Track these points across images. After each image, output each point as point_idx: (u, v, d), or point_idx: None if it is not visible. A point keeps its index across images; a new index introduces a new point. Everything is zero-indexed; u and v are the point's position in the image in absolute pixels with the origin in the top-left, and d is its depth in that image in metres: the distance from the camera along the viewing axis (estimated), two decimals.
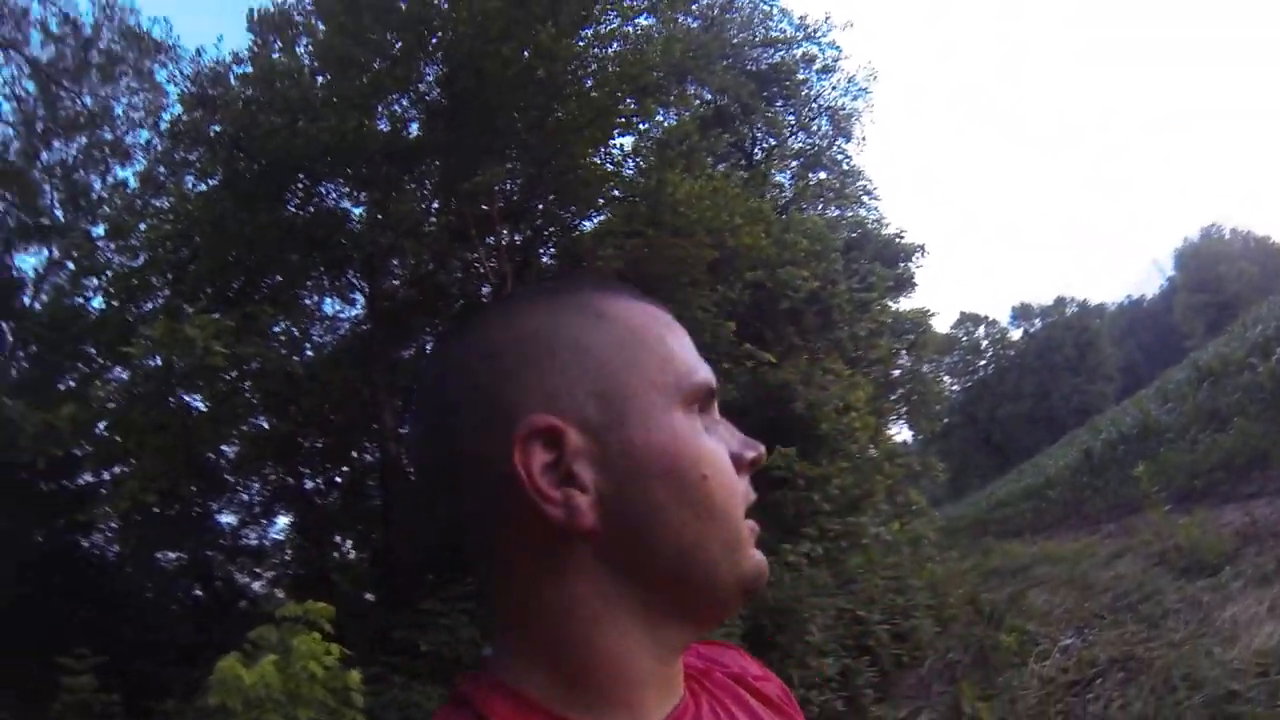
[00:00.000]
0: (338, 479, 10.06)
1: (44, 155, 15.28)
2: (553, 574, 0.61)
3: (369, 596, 9.55)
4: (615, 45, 8.12)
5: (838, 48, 15.62)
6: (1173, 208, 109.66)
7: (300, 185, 8.34)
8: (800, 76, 14.86)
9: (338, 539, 10.24)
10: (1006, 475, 24.92)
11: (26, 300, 14.30)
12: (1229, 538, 6.63)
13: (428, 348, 9.19)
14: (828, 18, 17.71)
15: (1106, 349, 40.29)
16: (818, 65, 15.51)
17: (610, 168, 8.91)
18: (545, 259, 8.99)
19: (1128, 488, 10.21)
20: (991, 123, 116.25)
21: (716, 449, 0.64)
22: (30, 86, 14.96)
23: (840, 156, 15.93)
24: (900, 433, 19.38)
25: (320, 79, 8.26)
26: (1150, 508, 8.08)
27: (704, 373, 0.66)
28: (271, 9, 9.26)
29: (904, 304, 14.93)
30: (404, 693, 5.67)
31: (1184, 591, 5.81)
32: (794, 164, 15.37)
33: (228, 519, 10.84)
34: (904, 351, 13.68)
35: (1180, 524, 7.21)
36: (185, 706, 4.94)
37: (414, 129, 8.71)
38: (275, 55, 8.53)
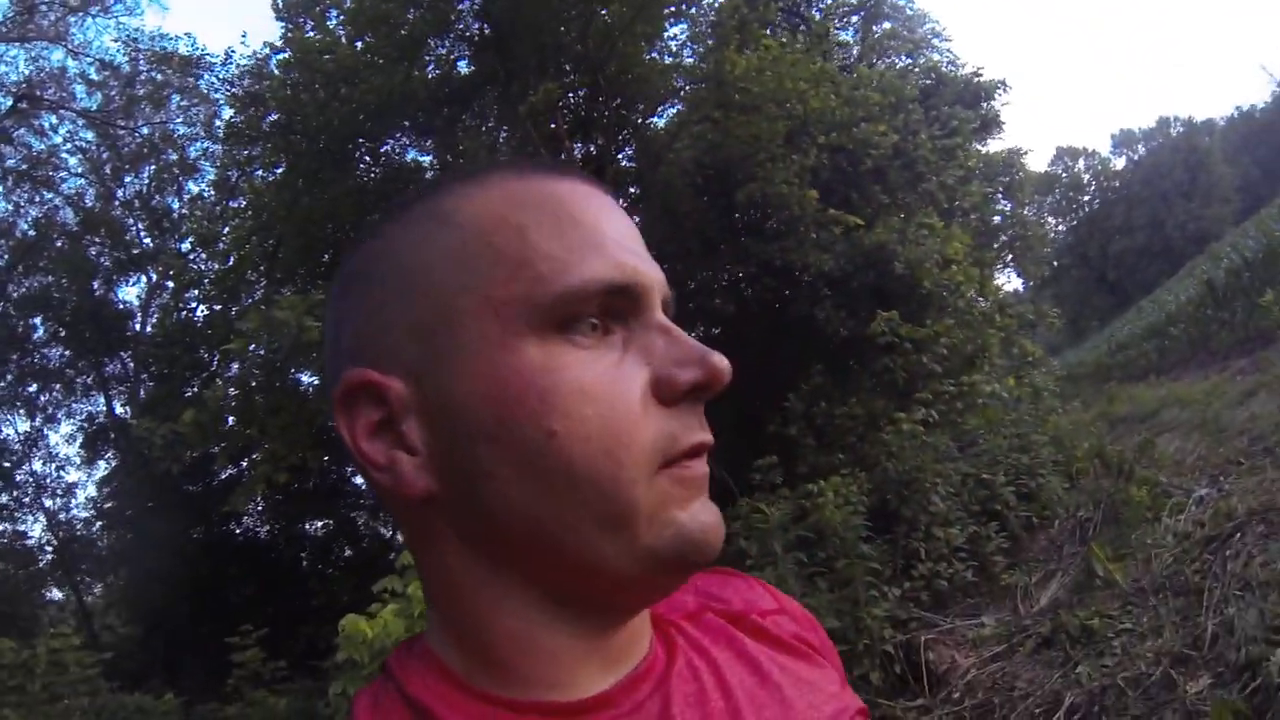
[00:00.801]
0: None
1: (119, 192, 16.19)
2: (424, 542, 0.52)
3: None
4: None
5: None
6: (1276, 5, 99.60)
7: (363, 149, 8.47)
8: None
9: None
10: (1125, 315, 23.74)
11: (137, 327, 15.25)
12: None
13: None
14: None
15: (1220, 168, 37.35)
16: None
17: (668, 60, 8.71)
18: (623, 163, 8.83)
19: (1257, 318, 9.52)
20: None
21: (593, 386, 0.47)
22: (89, 136, 15.85)
23: (902, 2, 15.12)
24: (1009, 281, 18.59)
25: (359, 44, 8.26)
26: None
27: (590, 270, 0.48)
28: None
29: (993, 146, 14.22)
30: None
31: None
32: (854, 19, 14.57)
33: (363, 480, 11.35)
34: (1000, 195, 12.99)
35: None
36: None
37: (462, 66, 8.69)
38: (309, 34, 8.54)
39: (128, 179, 16.27)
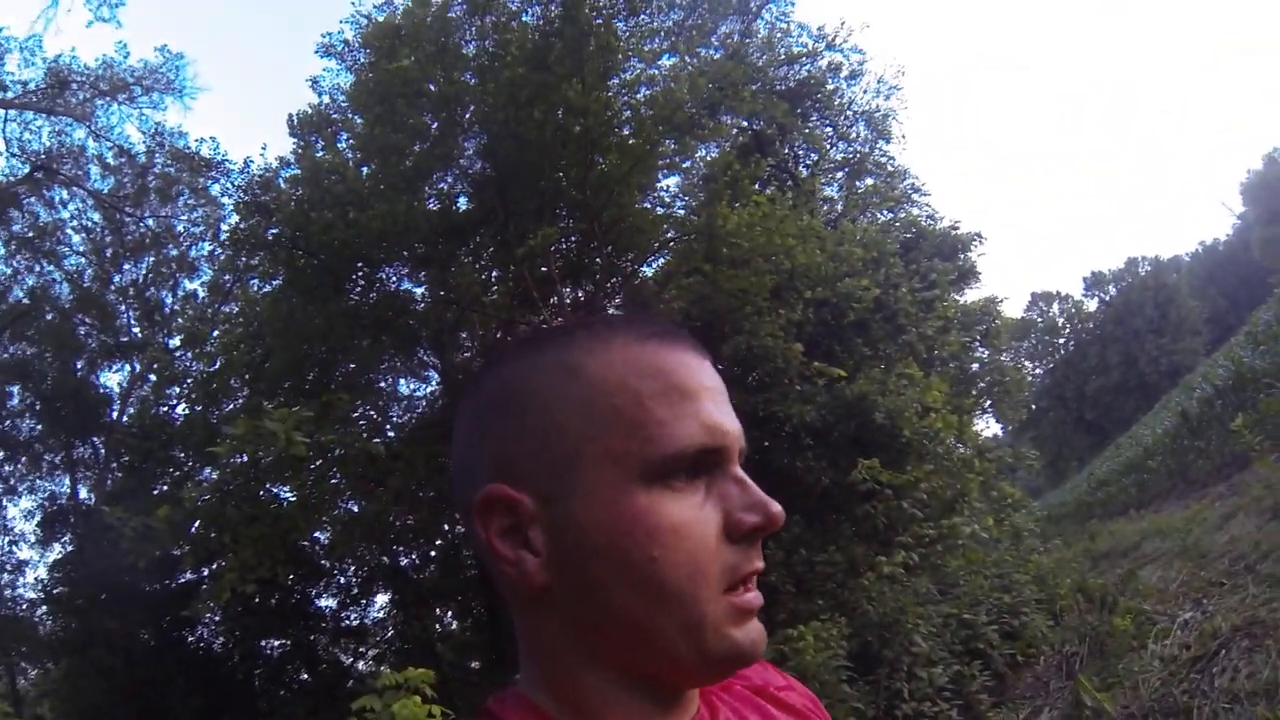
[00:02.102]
0: (432, 553, 10.20)
1: (116, 278, 16.33)
2: (533, 620, 0.65)
3: (475, 664, 9.64)
4: (644, 90, 8.23)
5: (861, 51, 15.58)
6: (1230, 144, 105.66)
7: (360, 273, 8.62)
8: (830, 86, 14.69)
9: (438, 611, 10.35)
10: (1104, 452, 23.90)
11: (114, 415, 15.07)
12: None
13: None
14: (844, 23, 17.68)
15: (1188, 303, 38.43)
16: (845, 72, 15.40)
17: (661, 210, 9.06)
18: (612, 310, 9.01)
19: (1231, 443, 9.63)
20: (1029, 95, 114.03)
21: (685, 525, 0.61)
22: (95, 217, 16.06)
23: (884, 159, 15.70)
24: (988, 427, 18.80)
25: (365, 170, 8.53)
26: (1257, 461, 7.60)
27: (689, 436, 0.62)
28: (309, 111, 9.67)
29: (970, 295, 14.66)
30: None
31: None
32: (839, 175, 15.24)
33: (327, 602, 11.06)
34: (977, 343, 13.33)
35: None
36: None
37: (462, 203, 8.95)
38: (319, 154, 8.84)
39: (126, 266, 16.48)
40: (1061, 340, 42.75)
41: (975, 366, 13.21)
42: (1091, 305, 43.25)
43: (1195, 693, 4.24)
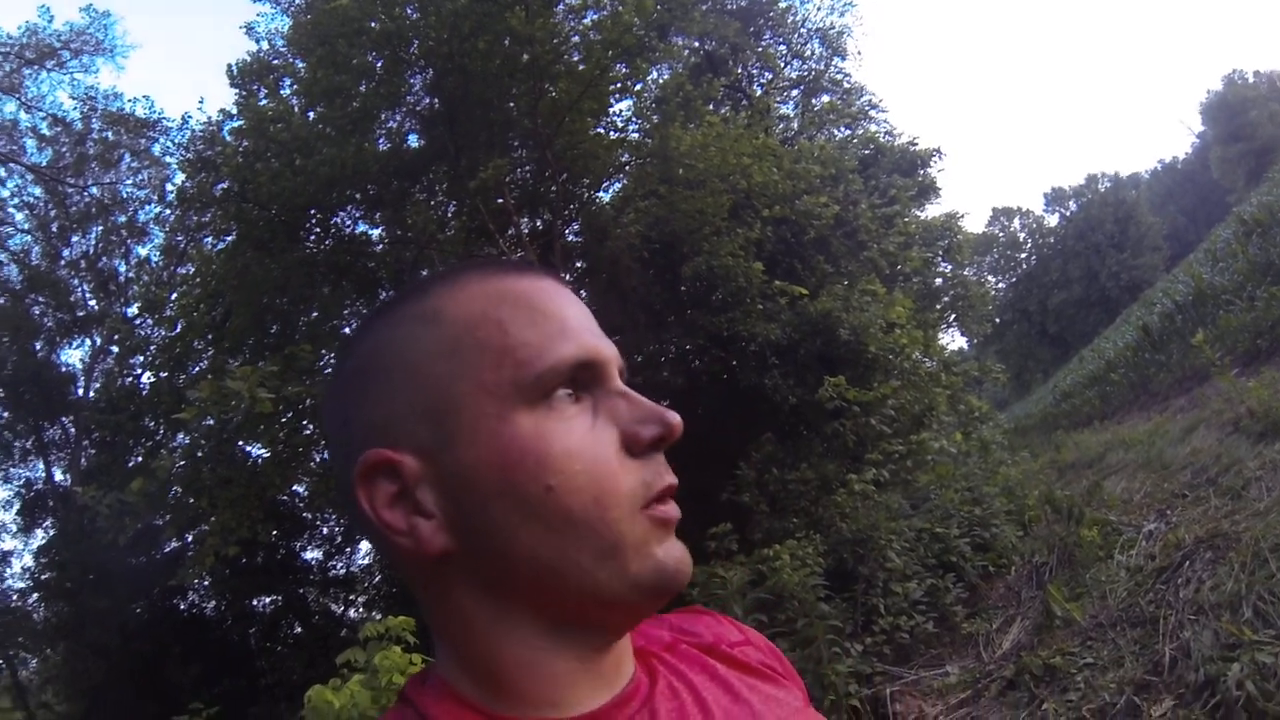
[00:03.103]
0: None
1: (66, 252, 15.88)
2: (439, 592, 0.60)
3: None
4: (591, 14, 8.06)
5: None
6: (1190, 63, 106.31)
7: (314, 220, 8.46)
8: (783, 4, 14.51)
9: None
10: (1068, 365, 24.37)
11: (80, 392, 14.84)
12: None
13: None
14: None
15: (1148, 219, 39.15)
16: None
17: (614, 135, 8.86)
18: (570, 237, 8.89)
19: (1191, 358, 9.83)
20: (989, 10, 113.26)
21: (577, 447, 0.57)
22: (37, 191, 15.55)
23: (839, 76, 15.60)
24: (953, 341, 19.04)
25: (311, 114, 8.32)
26: (1217, 375, 7.72)
27: (560, 351, 0.59)
28: (249, 59, 9.37)
29: (931, 211, 14.70)
30: None
31: (1264, 457, 5.53)
32: (794, 93, 15.11)
33: (313, 554, 11.13)
34: (939, 258, 13.41)
35: (1250, 387, 6.84)
36: None
37: (412, 140, 8.77)
38: (262, 103, 8.59)
39: (75, 239, 16.01)
40: (1023, 255, 43.32)
41: (938, 281, 13.33)
42: (1052, 220, 43.84)
43: (1161, 603, 4.30)
